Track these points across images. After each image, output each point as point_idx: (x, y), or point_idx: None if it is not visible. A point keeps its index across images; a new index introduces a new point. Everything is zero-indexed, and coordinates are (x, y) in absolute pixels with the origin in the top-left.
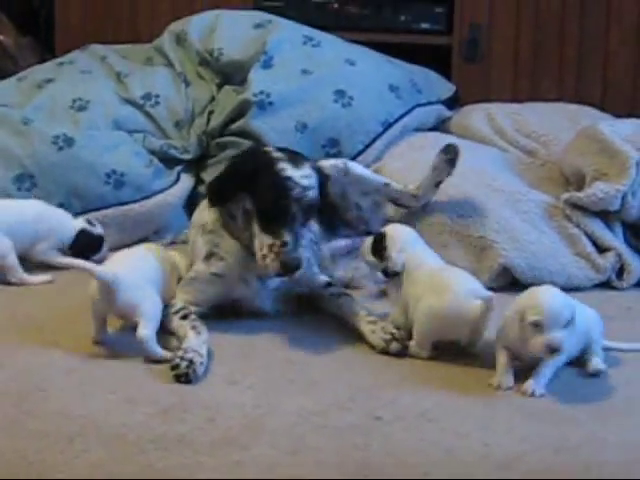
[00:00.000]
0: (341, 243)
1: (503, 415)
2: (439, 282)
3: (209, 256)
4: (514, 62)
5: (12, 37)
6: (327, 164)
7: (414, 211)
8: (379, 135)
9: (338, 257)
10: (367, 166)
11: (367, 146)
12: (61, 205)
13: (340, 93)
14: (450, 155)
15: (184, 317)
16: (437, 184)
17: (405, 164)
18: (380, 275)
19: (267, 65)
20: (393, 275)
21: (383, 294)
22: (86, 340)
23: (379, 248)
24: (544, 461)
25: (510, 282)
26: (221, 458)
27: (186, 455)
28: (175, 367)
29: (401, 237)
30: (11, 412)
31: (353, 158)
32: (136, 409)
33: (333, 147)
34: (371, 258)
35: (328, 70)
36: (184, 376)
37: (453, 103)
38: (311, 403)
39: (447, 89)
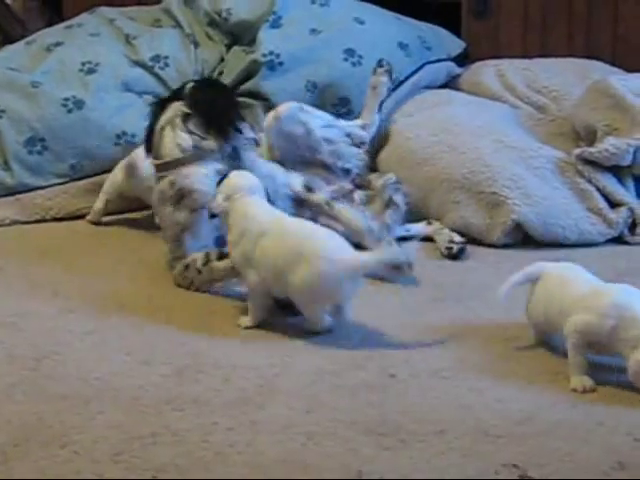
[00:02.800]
0: (328, 189)
1: (518, 372)
2: (303, 248)
3: None
4: (523, 17)
5: (20, 1)
6: (283, 106)
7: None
8: (389, 93)
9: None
10: (380, 124)
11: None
12: (72, 167)
13: (349, 52)
14: (386, 67)
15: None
16: (380, 104)
17: (416, 121)
18: None
19: (276, 25)
20: (211, 216)
21: None
22: (101, 303)
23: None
24: (560, 416)
25: (523, 239)
26: (236, 418)
27: (202, 415)
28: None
29: (233, 186)
30: (28, 375)
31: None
32: (151, 370)
33: (344, 106)
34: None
35: (337, 29)
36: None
37: (463, 60)
38: (325, 362)
39: (456, 46)
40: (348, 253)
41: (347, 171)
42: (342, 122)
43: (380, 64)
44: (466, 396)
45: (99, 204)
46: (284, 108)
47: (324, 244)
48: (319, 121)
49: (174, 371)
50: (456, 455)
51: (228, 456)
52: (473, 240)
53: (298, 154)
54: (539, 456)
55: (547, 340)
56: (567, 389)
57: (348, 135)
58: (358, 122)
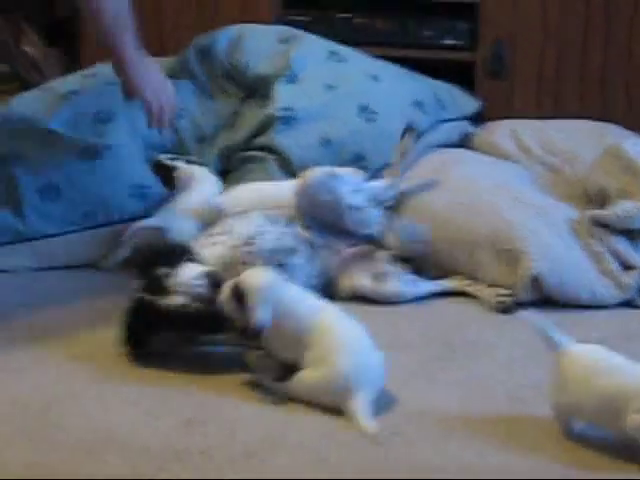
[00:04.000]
0: (349, 251)
1: (521, 433)
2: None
3: None
4: (538, 78)
5: (38, 48)
6: (316, 171)
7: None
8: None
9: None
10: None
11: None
12: (86, 215)
13: (364, 108)
14: (415, 133)
15: None
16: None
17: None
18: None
19: (291, 80)
20: (256, 335)
21: None
22: (109, 351)
23: (239, 299)
24: None
25: (541, 297)
26: (242, 471)
27: (208, 469)
28: None
29: (261, 285)
30: (34, 423)
31: (377, 173)
32: (158, 422)
33: (357, 162)
34: (232, 309)
35: (352, 85)
36: None
37: (478, 119)
38: (331, 417)
39: (471, 105)
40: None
41: (369, 236)
42: (369, 184)
43: (409, 129)
44: (472, 456)
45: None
46: (314, 174)
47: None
48: (347, 187)
49: (180, 423)
50: None
51: None
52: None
53: (323, 219)
54: None
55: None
56: (574, 455)
57: (374, 197)
58: (383, 183)
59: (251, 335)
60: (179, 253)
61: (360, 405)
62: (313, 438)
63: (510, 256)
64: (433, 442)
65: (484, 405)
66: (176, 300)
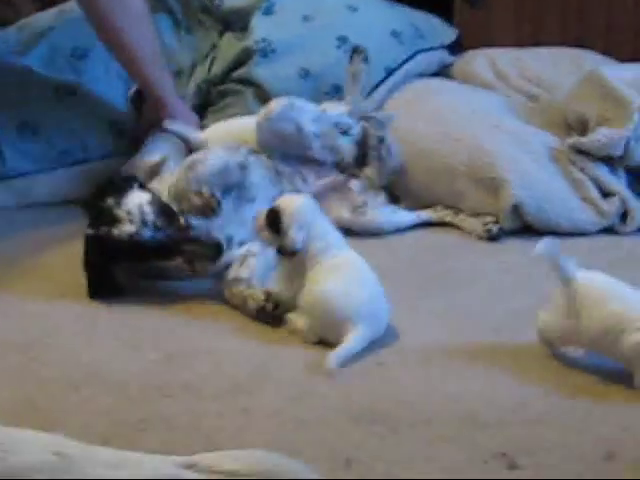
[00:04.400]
0: (320, 182)
1: (507, 361)
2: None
3: None
4: (516, 6)
5: None
6: (274, 104)
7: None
8: (382, 81)
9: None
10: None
11: (370, 92)
12: (64, 152)
13: (342, 39)
14: (363, 54)
15: None
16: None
17: (411, 111)
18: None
19: (269, 12)
20: (291, 255)
21: None
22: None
23: (275, 223)
24: (549, 406)
25: (522, 225)
26: (227, 404)
27: (192, 401)
28: None
29: (299, 211)
30: (18, 360)
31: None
32: (141, 356)
33: (336, 93)
34: (266, 234)
35: (330, 16)
36: None
37: (456, 48)
38: (314, 351)
39: (449, 34)
40: (358, 318)
41: (338, 163)
42: (329, 112)
43: (356, 50)
44: (455, 384)
45: None
46: (275, 106)
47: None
48: (309, 115)
49: (164, 357)
50: (445, 443)
51: (218, 442)
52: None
53: (288, 151)
54: (528, 445)
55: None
56: (556, 379)
57: (336, 125)
58: (343, 109)
59: (287, 255)
60: (126, 183)
61: (355, 336)
62: (299, 371)
63: (491, 184)
64: (416, 371)
65: (468, 333)
66: (128, 229)
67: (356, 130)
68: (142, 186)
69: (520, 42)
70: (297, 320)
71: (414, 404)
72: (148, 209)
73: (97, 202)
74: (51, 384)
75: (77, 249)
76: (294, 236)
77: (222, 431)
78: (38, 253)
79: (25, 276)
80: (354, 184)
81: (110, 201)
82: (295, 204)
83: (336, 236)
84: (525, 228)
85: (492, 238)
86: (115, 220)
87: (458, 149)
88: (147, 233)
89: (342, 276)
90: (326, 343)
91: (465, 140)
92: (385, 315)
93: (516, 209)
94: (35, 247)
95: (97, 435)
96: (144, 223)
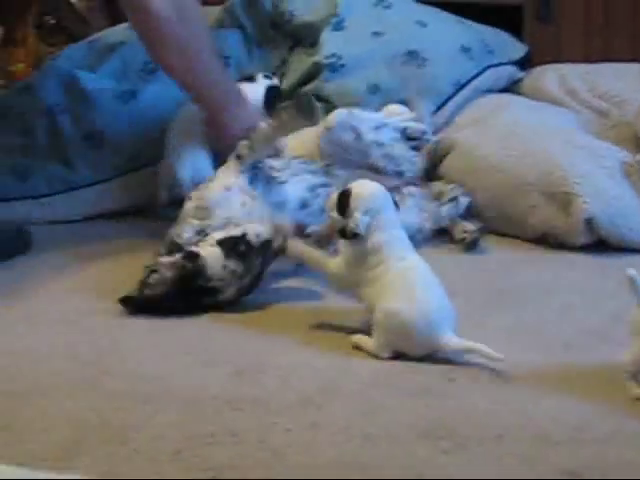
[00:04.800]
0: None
1: (576, 379)
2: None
3: None
4: (586, 21)
5: (85, 0)
6: (334, 114)
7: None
8: (451, 96)
9: None
10: (438, 128)
11: (439, 107)
12: (130, 159)
13: (412, 54)
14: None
15: None
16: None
17: (481, 126)
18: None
19: (338, 27)
20: (352, 237)
21: None
22: None
23: (343, 205)
24: (618, 424)
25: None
26: (295, 419)
27: (260, 416)
28: None
29: (369, 197)
30: (88, 372)
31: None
32: (211, 370)
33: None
34: (335, 215)
35: (399, 31)
36: None
37: (525, 64)
38: (384, 365)
39: (519, 49)
40: (443, 332)
41: (400, 173)
42: (394, 118)
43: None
44: (526, 402)
45: None
46: (334, 116)
47: (430, 311)
48: (370, 123)
49: (234, 371)
50: (514, 460)
51: (286, 457)
52: (559, 245)
53: (348, 159)
54: (597, 464)
55: None
56: (626, 398)
57: (404, 130)
58: (409, 116)
59: (348, 238)
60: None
61: (456, 339)
62: (368, 385)
63: (563, 199)
64: (486, 388)
65: (538, 350)
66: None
67: (430, 136)
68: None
69: (589, 57)
70: (363, 340)
71: (483, 421)
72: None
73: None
74: (120, 397)
75: (147, 261)
76: (358, 218)
77: (290, 446)
78: (108, 265)
79: (95, 288)
80: (407, 189)
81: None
82: (367, 189)
83: (401, 233)
84: (598, 243)
85: (469, 246)
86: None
87: (529, 164)
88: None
89: (413, 287)
90: (395, 359)
91: (536, 155)
92: (453, 317)
93: (589, 223)
94: (105, 259)
95: (166, 448)
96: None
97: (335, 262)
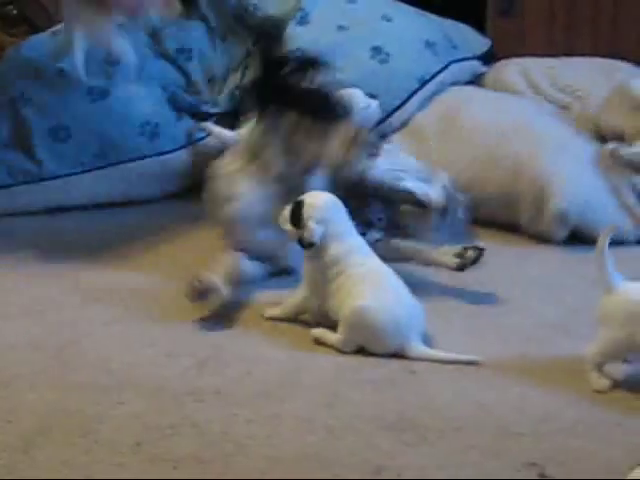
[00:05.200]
0: None
1: (538, 369)
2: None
3: None
4: (549, 16)
5: None
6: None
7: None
8: (415, 91)
9: None
10: (402, 123)
11: (403, 102)
12: (96, 156)
13: (377, 49)
14: None
15: None
16: None
17: (442, 128)
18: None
19: (303, 21)
20: (309, 246)
21: None
22: (124, 294)
23: (297, 217)
24: (579, 415)
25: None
26: (257, 411)
27: (222, 407)
28: None
29: (321, 206)
30: (51, 364)
31: (389, 114)
32: (174, 361)
33: None
34: (288, 227)
35: (364, 26)
36: None
37: (488, 58)
38: (346, 357)
39: (482, 44)
40: (411, 337)
41: None
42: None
43: None
44: (487, 393)
45: None
46: None
47: (398, 312)
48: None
49: (196, 363)
50: (476, 452)
51: (248, 448)
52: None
53: None
54: (559, 455)
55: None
56: (587, 390)
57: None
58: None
59: (305, 247)
60: None
61: (423, 347)
62: (330, 378)
63: (535, 197)
64: (447, 380)
65: (499, 343)
66: None
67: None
68: None
69: (552, 52)
70: (327, 335)
71: (445, 413)
72: None
73: None
74: (82, 389)
75: (112, 253)
76: (312, 227)
77: (252, 437)
78: (72, 257)
79: (59, 280)
80: None
81: None
82: (318, 199)
83: (358, 241)
84: (571, 237)
85: (462, 267)
86: None
87: (501, 172)
88: None
89: (379, 288)
90: (356, 352)
91: (507, 160)
92: (421, 318)
93: (562, 217)
94: (69, 250)
95: (128, 440)
96: None
97: (299, 290)
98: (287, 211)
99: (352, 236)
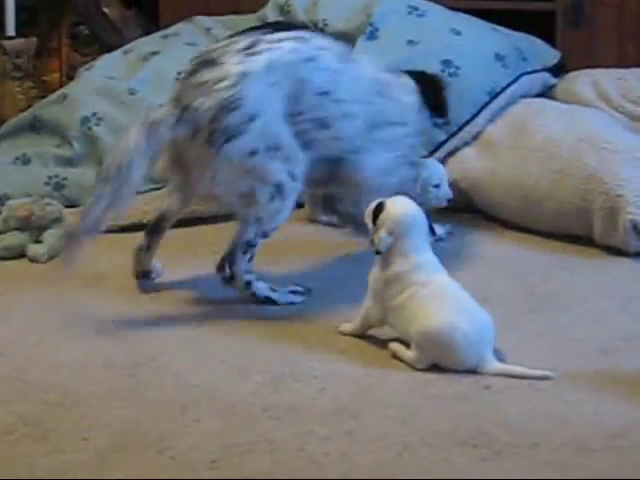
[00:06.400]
0: None
1: (614, 385)
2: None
3: None
4: (619, 27)
5: (117, 10)
6: None
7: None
8: (486, 104)
9: None
10: (474, 137)
11: (474, 116)
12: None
13: (446, 63)
14: None
15: None
16: None
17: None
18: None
19: (373, 36)
20: (376, 253)
21: None
22: (199, 310)
23: (375, 218)
24: None
25: None
26: (332, 427)
27: (298, 424)
28: None
29: (398, 218)
30: (126, 382)
31: (460, 128)
32: (248, 378)
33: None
34: (369, 223)
35: (434, 40)
36: None
37: (558, 70)
38: (420, 373)
39: (552, 56)
40: (485, 353)
41: None
42: None
43: None
44: (562, 408)
45: None
46: None
47: (470, 330)
48: None
49: (270, 379)
50: (551, 468)
51: (323, 465)
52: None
53: None
54: (636, 470)
55: None
56: None
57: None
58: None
59: (373, 250)
60: None
61: (496, 363)
62: (403, 393)
63: (607, 210)
64: (522, 395)
65: (574, 357)
66: None
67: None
68: None
69: (623, 63)
70: (402, 350)
71: (520, 428)
72: None
73: None
74: (157, 406)
75: (186, 271)
76: (382, 236)
77: (327, 454)
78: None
79: (133, 298)
80: None
81: None
82: (399, 208)
83: (428, 258)
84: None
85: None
86: None
87: (570, 186)
88: None
89: (447, 307)
90: (431, 367)
91: (577, 173)
92: (492, 333)
93: (636, 227)
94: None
95: (204, 457)
96: None
97: (365, 300)
98: (371, 207)
99: (421, 253)
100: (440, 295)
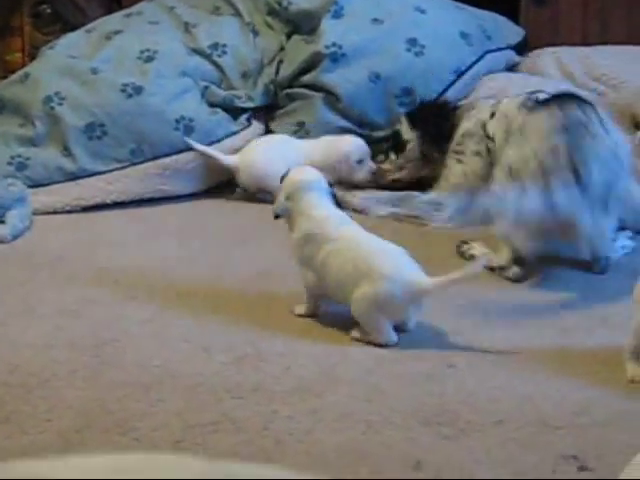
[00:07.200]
0: None
1: (576, 362)
2: (370, 265)
3: None
4: (583, 4)
5: None
6: None
7: None
8: (452, 83)
9: None
10: None
11: (440, 94)
12: (132, 152)
13: (412, 42)
14: None
15: None
16: None
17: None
18: None
19: (338, 15)
20: (274, 217)
21: None
22: (161, 291)
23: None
24: (618, 407)
25: None
26: (296, 406)
27: (261, 403)
28: None
29: (293, 182)
30: (89, 362)
31: None
32: (211, 358)
33: (407, 96)
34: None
35: (399, 19)
36: None
37: (522, 48)
38: (384, 352)
39: (516, 34)
40: (414, 276)
41: None
42: None
43: None
44: (525, 387)
45: None
46: None
47: (392, 263)
48: None
49: (234, 359)
50: (515, 445)
51: (288, 444)
52: None
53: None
54: (598, 447)
55: None
56: (626, 381)
57: None
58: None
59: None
60: None
61: (435, 279)
62: (368, 372)
63: None
64: (485, 374)
65: (537, 336)
66: None
67: None
68: None
69: (587, 40)
70: (361, 336)
71: (484, 406)
72: None
73: None
74: (121, 387)
75: (148, 252)
76: (279, 199)
77: (291, 433)
78: (107, 256)
79: (94, 280)
80: None
81: None
82: (296, 176)
83: (328, 214)
84: None
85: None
86: None
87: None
88: None
89: (361, 259)
90: (395, 346)
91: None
92: (409, 258)
93: None
94: (104, 250)
95: (168, 437)
96: None
97: (302, 276)
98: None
99: (320, 209)
100: (350, 247)
